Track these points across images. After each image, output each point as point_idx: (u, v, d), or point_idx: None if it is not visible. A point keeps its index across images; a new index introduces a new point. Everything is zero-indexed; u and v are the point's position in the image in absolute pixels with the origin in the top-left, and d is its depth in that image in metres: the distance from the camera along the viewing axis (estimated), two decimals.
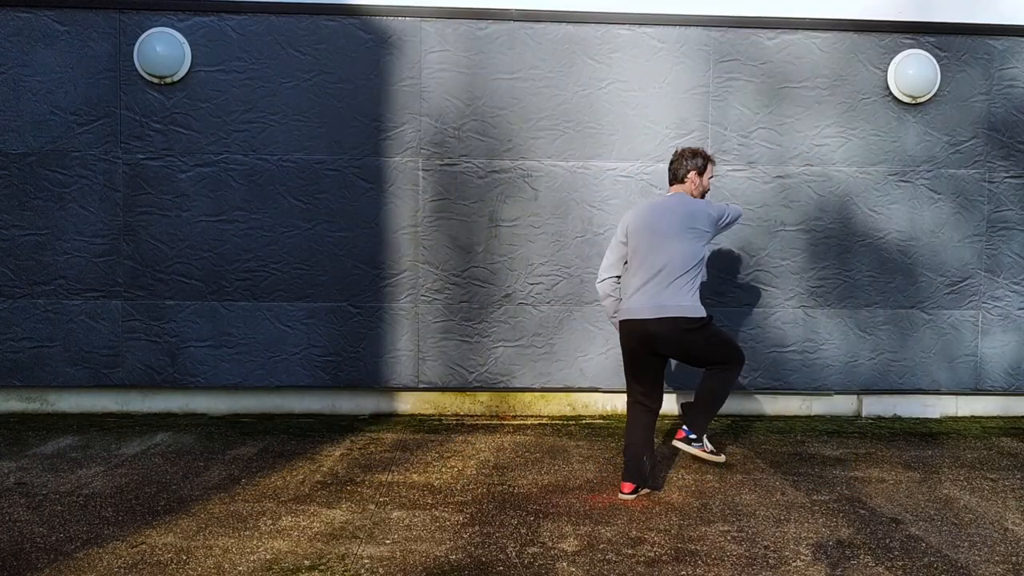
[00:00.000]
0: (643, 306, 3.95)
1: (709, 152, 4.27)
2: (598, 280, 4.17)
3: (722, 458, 4.30)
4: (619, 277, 4.14)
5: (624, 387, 5.65)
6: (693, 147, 4.23)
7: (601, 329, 5.63)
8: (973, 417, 5.84)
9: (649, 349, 3.98)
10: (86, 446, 4.79)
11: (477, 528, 3.55)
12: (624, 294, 4.11)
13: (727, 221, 4.16)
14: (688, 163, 4.14)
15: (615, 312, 4.14)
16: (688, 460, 4.64)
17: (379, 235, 5.56)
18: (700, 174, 4.15)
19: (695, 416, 4.16)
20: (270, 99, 5.44)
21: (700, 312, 3.97)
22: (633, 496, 3.96)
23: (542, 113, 5.56)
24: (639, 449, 3.99)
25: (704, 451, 4.21)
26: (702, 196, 4.18)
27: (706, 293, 5.61)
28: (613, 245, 4.14)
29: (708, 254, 4.24)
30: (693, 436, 4.16)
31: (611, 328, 5.61)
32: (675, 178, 4.18)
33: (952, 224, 5.72)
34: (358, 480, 4.21)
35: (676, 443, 4.19)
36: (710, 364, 4.06)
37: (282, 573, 3.08)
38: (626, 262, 4.11)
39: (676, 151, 4.23)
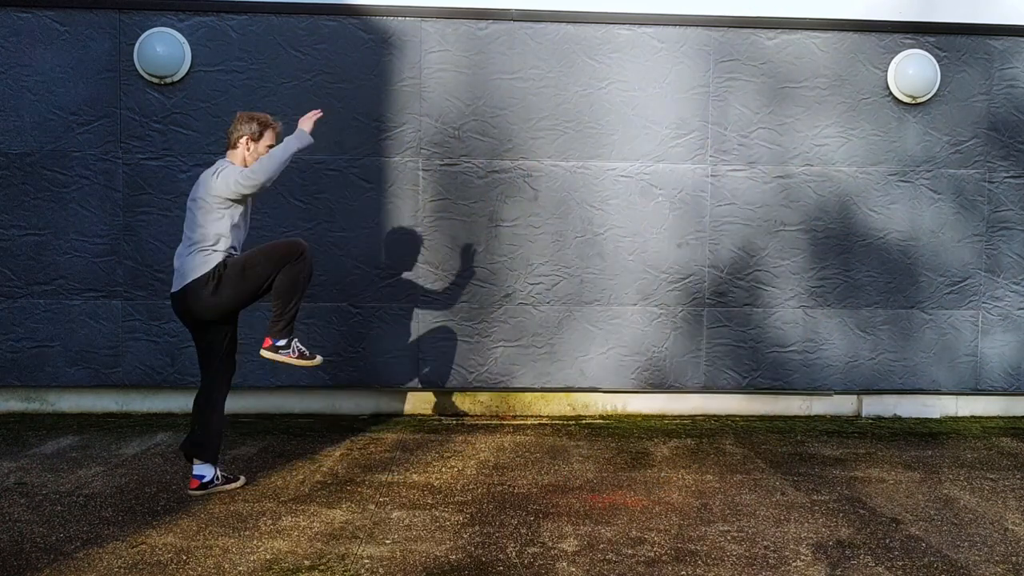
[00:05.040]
0: (174, 279, 4.00)
1: (273, 119, 4.05)
2: None
3: (319, 359, 4.07)
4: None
5: (624, 387, 5.68)
6: (253, 112, 4.07)
7: (601, 329, 5.63)
8: (973, 417, 5.84)
9: (189, 324, 4.03)
10: (86, 446, 4.79)
11: (477, 528, 3.55)
12: None
13: (236, 182, 3.79)
14: (243, 127, 3.95)
15: None
16: (687, 460, 4.64)
17: (379, 235, 5.55)
18: (255, 140, 3.95)
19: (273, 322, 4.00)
20: (270, 99, 5.44)
21: (210, 264, 3.87)
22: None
23: (542, 113, 5.55)
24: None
25: (292, 357, 4.00)
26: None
27: (707, 293, 5.62)
28: None
29: (224, 227, 3.89)
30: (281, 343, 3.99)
31: (611, 328, 5.62)
32: (228, 143, 4.01)
33: (952, 224, 5.72)
34: (358, 480, 4.21)
35: (263, 352, 4.02)
36: (239, 308, 3.98)
37: (282, 573, 3.08)
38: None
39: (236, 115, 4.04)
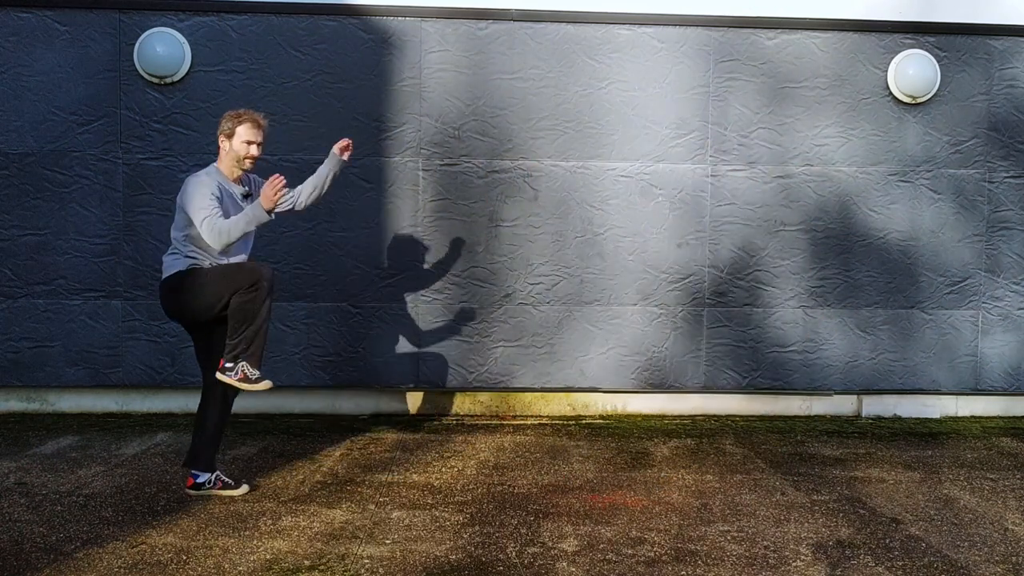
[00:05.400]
0: None
1: (250, 112, 3.96)
2: None
3: (266, 384, 3.86)
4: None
5: (624, 387, 5.68)
6: (237, 109, 4.00)
7: (601, 329, 5.63)
8: (973, 417, 5.84)
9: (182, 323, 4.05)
10: (86, 446, 4.79)
11: (477, 528, 3.55)
12: None
13: (195, 215, 3.78)
14: (219, 127, 3.93)
15: None
16: (687, 460, 4.64)
17: (379, 235, 5.55)
18: (228, 138, 3.90)
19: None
20: (270, 99, 5.44)
21: (175, 268, 3.85)
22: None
23: (542, 113, 5.55)
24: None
25: (234, 379, 3.81)
26: (240, 162, 3.93)
27: (707, 293, 5.62)
28: None
29: (195, 233, 3.82)
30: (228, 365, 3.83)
31: (611, 328, 5.62)
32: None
33: (952, 224, 5.72)
34: (358, 480, 4.21)
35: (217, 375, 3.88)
36: (220, 313, 3.83)
37: (282, 573, 3.08)
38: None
39: None
